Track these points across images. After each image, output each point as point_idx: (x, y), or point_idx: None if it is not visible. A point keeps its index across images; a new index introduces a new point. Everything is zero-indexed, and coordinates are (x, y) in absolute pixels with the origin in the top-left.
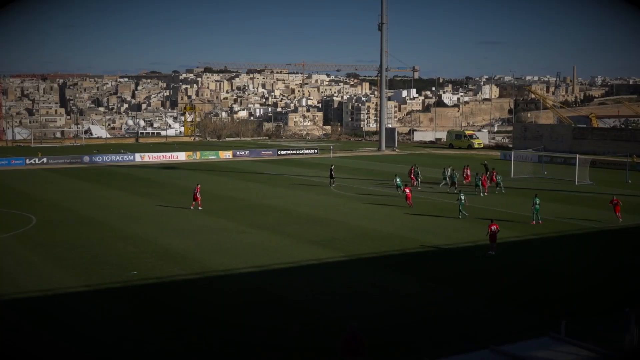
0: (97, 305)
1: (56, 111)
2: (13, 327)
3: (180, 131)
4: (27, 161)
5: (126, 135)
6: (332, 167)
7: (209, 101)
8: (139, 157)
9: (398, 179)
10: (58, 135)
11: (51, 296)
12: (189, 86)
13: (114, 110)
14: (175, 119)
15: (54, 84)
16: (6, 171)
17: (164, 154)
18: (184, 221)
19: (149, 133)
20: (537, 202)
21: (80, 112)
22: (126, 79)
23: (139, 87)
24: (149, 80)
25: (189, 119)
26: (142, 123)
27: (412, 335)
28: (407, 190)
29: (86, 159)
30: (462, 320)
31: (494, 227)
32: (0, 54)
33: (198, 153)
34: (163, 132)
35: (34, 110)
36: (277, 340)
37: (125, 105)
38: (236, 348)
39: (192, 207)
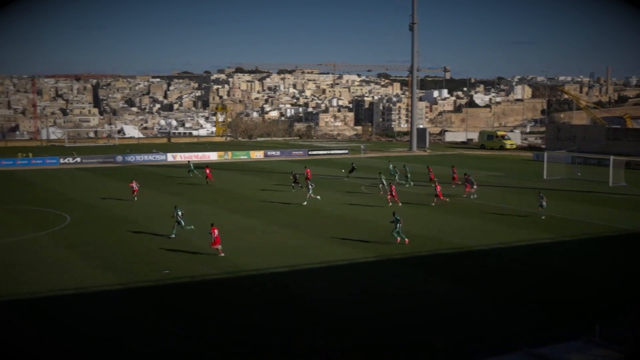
0: (130, 303)
1: (89, 111)
2: (50, 323)
3: (212, 131)
4: (61, 160)
5: (158, 135)
6: (354, 164)
7: (240, 101)
8: (170, 157)
9: (383, 177)
10: (91, 134)
11: (86, 294)
12: (220, 86)
13: (147, 110)
14: (206, 119)
15: (88, 84)
16: (41, 170)
17: (196, 153)
18: (213, 220)
19: (180, 133)
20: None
21: (113, 112)
22: (158, 79)
23: (171, 88)
24: (180, 81)
25: (221, 119)
26: (174, 123)
27: (437, 335)
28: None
29: (119, 158)
30: (488, 321)
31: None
32: (36, 55)
33: (229, 153)
34: (195, 132)
35: (68, 110)
36: (305, 341)
37: (158, 106)
38: (267, 350)
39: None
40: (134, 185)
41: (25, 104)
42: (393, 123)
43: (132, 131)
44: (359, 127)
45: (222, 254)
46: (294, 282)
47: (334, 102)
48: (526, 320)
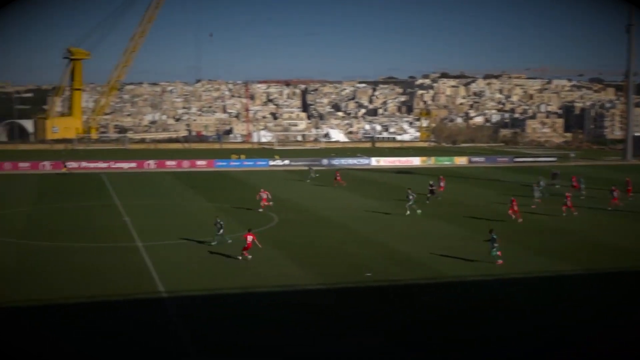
0: (330, 302)
1: (298, 115)
2: (252, 316)
3: (416, 136)
4: (271, 162)
5: (362, 140)
6: (555, 172)
7: (444, 107)
8: (374, 161)
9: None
10: (299, 138)
11: (291, 292)
12: (424, 91)
13: (352, 115)
14: (410, 124)
15: (297, 89)
16: (252, 172)
17: (399, 158)
18: (413, 225)
19: (384, 138)
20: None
21: (320, 116)
22: (364, 85)
23: (376, 93)
24: (385, 86)
25: (424, 124)
26: (378, 128)
27: None
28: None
29: (324, 161)
30: None
31: None
32: (250, 61)
33: (432, 158)
34: (398, 137)
35: (278, 115)
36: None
37: (363, 110)
38: None
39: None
40: (263, 194)
41: (239, 108)
42: (606, 130)
43: (338, 135)
44: (569, 134)
45: (249, 257)
46: (498, 291)
47: (542, 108)
48: None
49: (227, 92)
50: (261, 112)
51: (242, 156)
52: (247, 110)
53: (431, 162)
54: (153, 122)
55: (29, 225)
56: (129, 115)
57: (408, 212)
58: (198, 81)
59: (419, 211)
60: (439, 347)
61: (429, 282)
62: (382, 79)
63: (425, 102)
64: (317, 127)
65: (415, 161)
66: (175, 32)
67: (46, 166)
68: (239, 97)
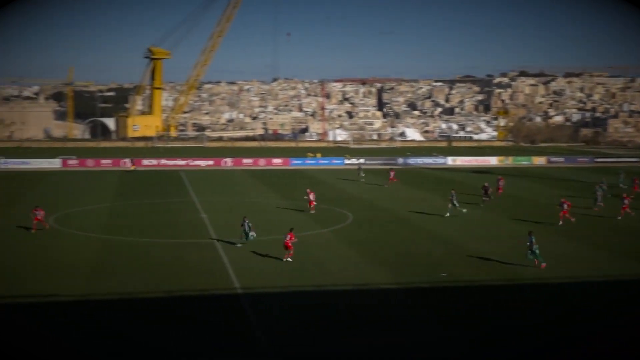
0: (406, 303)
1: (373, 114)
2: (326, 315)
3: (493, 135)
4: (346, 161)
5: (438, 139)
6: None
7: (523, 105)
8: (450, 160)
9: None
10: (374, 137)
11: (365, 290)
12: (502, 90)
13: (428, 114)
14: (487, 123)
15: (373, 88)
16: (327, 170)
17: (476, 158)
18: (490, 226)
19: (461, 137)
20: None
21: (396, 115)
22: (440, 83)
23: (453, 91)
24: (462, 85)
25: (502, 123)
26: (454, 127)
27: None
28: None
29: (400, 160)
30: None
31: None
32: (326, 60)
33: (510, 158)
34: (475, 136)
35: (354, 113)
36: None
37: (439, 109)
38: None
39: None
40: (311, 196)
41: (315, 107)
42: None
43: (413, 134)
44: None
45: (288, 259)
46: (575, 296)
47: (625, 107)
48: None
49: (303, 91)
50: (337, 110)
51: (318, 154)
52: (322, 109)
53: (509, 161)
54: (230, 121)
55: (109, 220)
56: (207, 113)
57: (448, 214)
58: (275, 80)
59: (464, 210)
60: (523, 350)
61: (506, 284)
62: (459, 78)
63: (503, 101)
64: (392, 126)
65: (493, 161)
66: (252, 31)
67: (127, 163)
68: (315, 95)
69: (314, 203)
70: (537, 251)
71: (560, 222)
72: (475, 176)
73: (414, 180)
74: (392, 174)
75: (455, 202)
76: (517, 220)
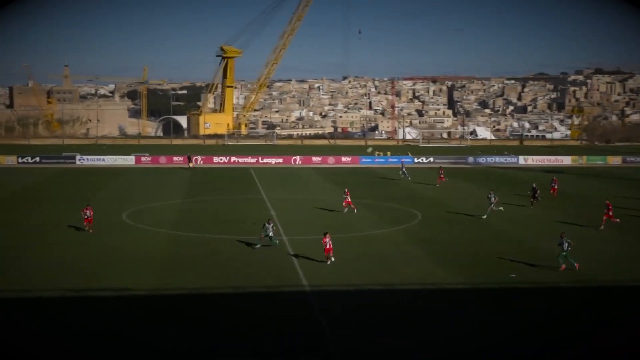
0: (475, 303)
1: (444, 112)
2: (392, 315)
3: (566, 134)
4: (415, 159)
5: (510, 137)
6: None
7: (598, 104)
8: (522, 160)
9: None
10: (444, 135)
11: (432, 290)
12: (577, 88)
13: (499, 112)
14: (561, 121)
15: (443, 86)
16: (395, 169)
17: (548, 157)
18: (561, 228)
19: (533, 136)
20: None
21: (466, 113)
22: (513, 81)
23: (525, 89)
24: (535, 82)
25: (576, 122)
26: (526, 125)
27: None
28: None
29: (470, 159)
30: None
31: None
32: (396, 58)
33: (584, 157)
34: (548, 135)
35: (424, 112)
36: None
37: (511, 108)
38: None
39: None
40: (348, 196)
41: (385, 105)
42: None
43: (484, 133)
44: None
45: (330, 262)
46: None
47: None
48: None
49: (373, 89)
50: (407, 108)
51: (379, 153)
52: (392, 107)
53: (582, 161)
54: (300, 119)
55: (180, 216)
56: (277, 111)
57: (484, 216)
58: (345, 78)
59: (501, 208)
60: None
61: (580, 286)
62: (532, 75)
63: (577, 99)
64: (463, 125)
65: (566, 160)
66: (323, 29)
67: (198, 160)
68: (385, 93)
69: (349, 202)
70: (565, 254)
71: (617, 220)
72: (547, 176)
73: (484, 179)
74: (441, 172)
75: (492, 202)
76: (590, 222)
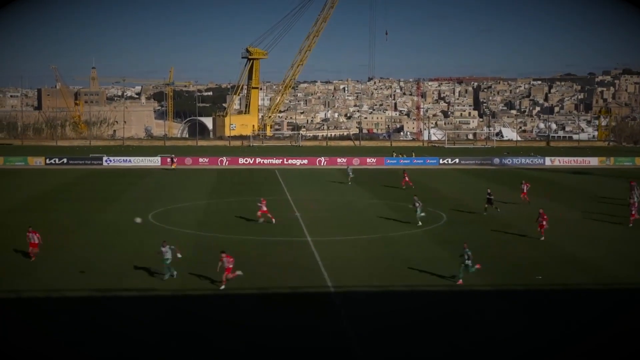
0: (494, 304)
1: (469, 113)
2: (416, 317)
3: (594, 135)
4: (441, 161)
5: (537, 138)
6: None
7: (626, 104)
8: (548, 161)
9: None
10: (470, 136)
11: (457, 292)
12: (604, 89)
13: (526, 113)
14: (588, 122)
15: (469, 87)
16: (421, 170)
17: (575, 158)
18: (592, 228)
19: (560, 137)
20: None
21: (492, 114)
22: (539, 82)
23: (552, 90)
24: (562, 83)
25: (604, 123)
26: (553, 126)
27: None
28: None
29: (496, 160)
30: None
31: None
32: (422, 59)
33: (612, 159)
34: (575, 136)
35: (449, 113)
36: None
37: (537, 108)
38: None
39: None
40: (264, 206)
41: (410, 106)
42: None
43: (510, 134)
44: None
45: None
46: None
47: None
48: None
49: (398, 90)
50: (432, 110)
51: (412, 154)
52: (418, 108)
53: (610, 162)
54: (325, 120)
55: (205, 217)
56: (302, 112)
57: (485, 213)
58: (370, 79)
59: (497, 210)
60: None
61: (602, 288)
62: (559, 76)
63: (605, 100)
64: (489, 126)
65: (593, 161)
66: (348, 31)
67: (224, 161)
68: (410, 95)
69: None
70: (467, 265)
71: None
72: (575, 177)
73: (510, 181)
74: (405, 175)
75: (491, 199)
76: (615, 224)
